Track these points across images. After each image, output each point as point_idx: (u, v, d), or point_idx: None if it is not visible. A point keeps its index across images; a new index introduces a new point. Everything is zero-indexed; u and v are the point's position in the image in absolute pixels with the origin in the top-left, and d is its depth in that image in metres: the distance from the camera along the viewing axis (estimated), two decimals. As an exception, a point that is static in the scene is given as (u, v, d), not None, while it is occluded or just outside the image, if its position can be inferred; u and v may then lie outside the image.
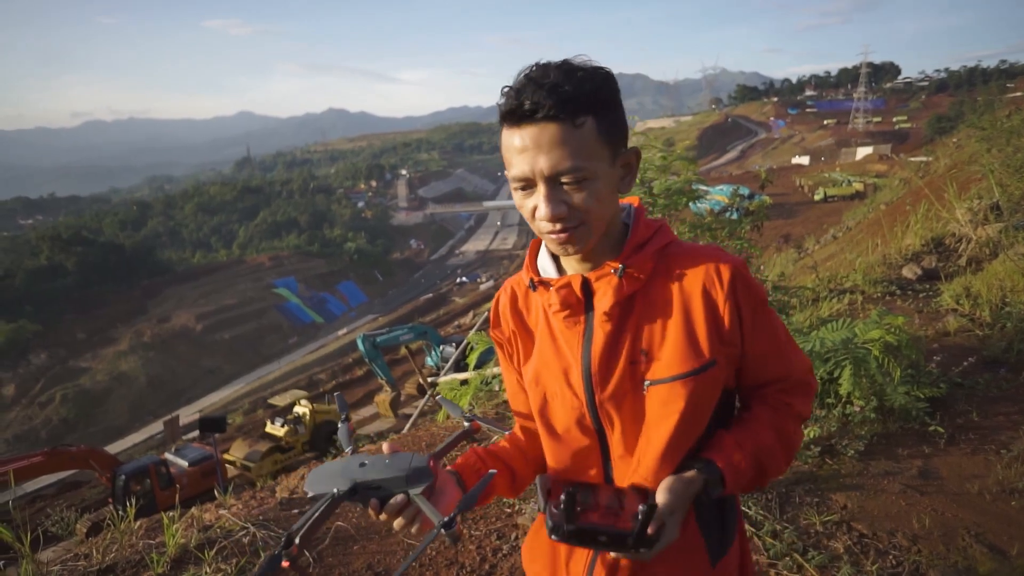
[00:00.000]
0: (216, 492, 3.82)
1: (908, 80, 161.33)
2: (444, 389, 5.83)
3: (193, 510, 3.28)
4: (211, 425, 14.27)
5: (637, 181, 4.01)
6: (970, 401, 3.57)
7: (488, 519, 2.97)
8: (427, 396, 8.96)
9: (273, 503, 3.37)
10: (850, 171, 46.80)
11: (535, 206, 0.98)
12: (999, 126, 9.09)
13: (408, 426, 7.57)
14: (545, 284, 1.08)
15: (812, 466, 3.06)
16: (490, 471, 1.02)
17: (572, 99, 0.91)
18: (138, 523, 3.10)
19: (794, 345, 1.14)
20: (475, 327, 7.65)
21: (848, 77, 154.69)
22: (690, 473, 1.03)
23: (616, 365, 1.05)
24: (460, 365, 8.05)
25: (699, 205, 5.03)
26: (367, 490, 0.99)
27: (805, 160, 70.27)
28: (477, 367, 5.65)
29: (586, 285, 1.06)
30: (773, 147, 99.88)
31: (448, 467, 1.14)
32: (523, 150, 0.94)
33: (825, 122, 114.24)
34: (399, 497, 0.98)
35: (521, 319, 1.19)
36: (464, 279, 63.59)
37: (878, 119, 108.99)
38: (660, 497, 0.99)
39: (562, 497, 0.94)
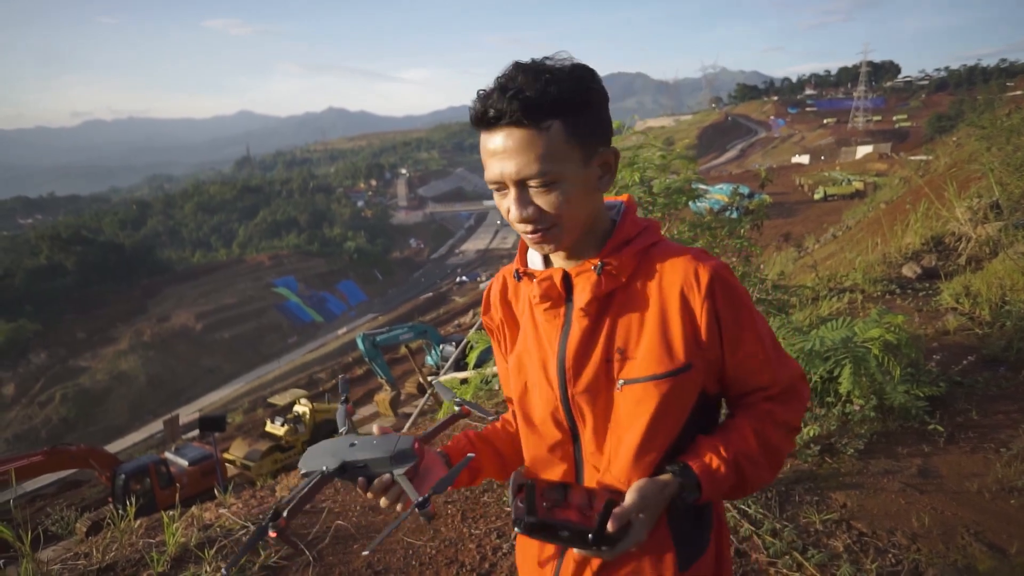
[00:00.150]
0: (216, 491, 3.82)
1: (908, 79, 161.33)
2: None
3: (193, 509, 3.28)
4: (211, 424, 14.27)
5: (637, 179, 4.01)
6: (970, 400, 3.57)
7: (488, 518, 2.97)
8: (427, 395, 8.97)
9: (273, 502, 3.37)
10: (850, 170, 46.78)
11: (508, 207, 1.00)
12: (999, 125, 9.09)
13: (408, 425, 7.57)
14: (530, 275, 1.11)
15: (812, 465, 3.06)
16: (467, 455, 1.05)
17: (536, 104, 0.92)
18: (138, 522, 3.10)
19: (782, 352, 1.11)
20: (475, 326, 7.66)
21: (848, 76, 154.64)
22: (664, 476, 1.03)
23: (590, 360, 1.06)
24: (460, 364, 8.05)
25: (699, 204, 5.03)
26: (355, 469, 1.03)
27: (805, 159, 70.22)
28: (477, 366, 5.64)
29: (567, 279, 1.08)
30: (773, 146, 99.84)
31: (439, 448, 1.17)
32: (493, 154, 0.97)
33: (825, 121, 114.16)
34: (384, 477, 1.02)
35: (509, 308, 1.21)
36: (464, 278, 63.57)
37: (878, 118, 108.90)
38: (628, 497, 0.98)
39: (528, 489, 0.96)
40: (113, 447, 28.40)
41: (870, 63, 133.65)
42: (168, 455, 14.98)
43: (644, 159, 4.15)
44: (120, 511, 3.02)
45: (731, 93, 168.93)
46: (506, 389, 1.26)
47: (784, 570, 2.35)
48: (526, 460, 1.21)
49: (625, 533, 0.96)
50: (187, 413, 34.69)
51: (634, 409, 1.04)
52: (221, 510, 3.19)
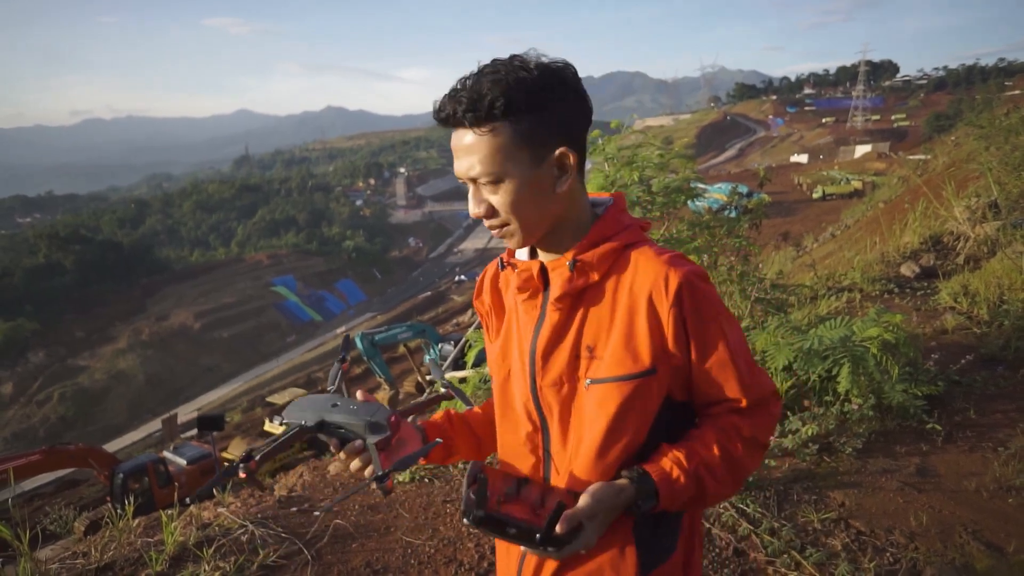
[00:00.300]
0: (215, 490, 3.81)
1: (907, 78, 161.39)
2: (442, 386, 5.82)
3: (192, 508, 3.28)
4: (209, 423, 14.21)
5: (636, 178, 4.01)
6: (968, 399, 3.58)
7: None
8: (425, 393, 8.97)
9: (271, 501, 3.37)
10: (849, 169, 46.79)
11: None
12: (997, 124, 9.10)
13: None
14: (513, 265, 1.14)
15: (810, 464, 3.06)
16: (434, 441, 1.08)
17: (483, 106, 0.95)
18: (136, 521, 3.10)
19: (754, 366, 1.09)
20: (474, 325, 7.66)
21: (847, 75, 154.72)
22: (621, 481, 1.02)
23: (559, 355, 1.08)
24: (459, 363, 8.05)
25: (698, 203, 5.03)
26: (331, 429, 1.07)
27: (804, 158, 70.22)
28: (475, 365, 5.65)
29: (545, 272, 1.10)
30: (772, 145, 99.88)
31: (420, 423, 1.21)
32: (454, 152, 1.02)
33: (824, 120, 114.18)
34: (357, 443, 1.06)
35: (499, 295, 1.23)
36: (463, 277, 63.53)
37: (877, 117, 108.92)
38: (582, 500, 0.98)
39: (479, 482, 0.96)
40: (111, 446, 28.37)
41: (869, 62, 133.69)
42: (167, 454, 14.96)
43: (643, 158, 4.15)
44: (118, 510, 3.02)
45: (730, 92, 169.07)
46: (491, 374, 1.28)
47: (782, 569, 2.35)
48: (499, 449, 1.23)
49: (575, 536, 0.95)
50: (185, 412, 34.67)
51: (597, 408, 1.05)
52: (220, 509, 3.19)
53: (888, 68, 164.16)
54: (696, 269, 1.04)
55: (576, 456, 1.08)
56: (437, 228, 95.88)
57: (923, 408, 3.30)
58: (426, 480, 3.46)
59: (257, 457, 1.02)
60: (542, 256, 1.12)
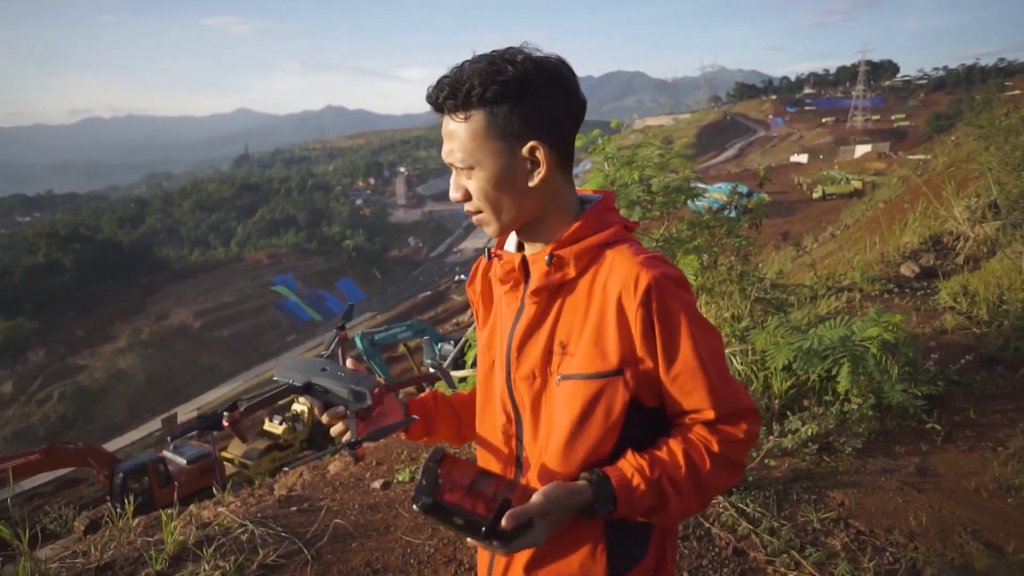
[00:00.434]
0: (214, 490, 3.82)
1: (907, 78, 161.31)
2: (442, 386, 5.83)
3: (191, 507, 3.28)
4: (209, 423, 14.24)
5: (635, 178, 4.00)
6: (967, 399, 3.58)
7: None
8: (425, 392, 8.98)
9: (271, 501, 3.37)
10: (848, 169, 46.79)
11: None
12: (997, 124, 9.09)
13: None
14: (499, 256, 1.16)
15: (810, 463, 3.07)
16: (409, 418, 1.14)
17: (461, 93, 0.99)
18: (136, 520, 3.10)
19: (729, 379, 1.06)
20: (473, 324, 7.66)
21: (847, 75, 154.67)
22: (579, 483, 1.01)
23: (532, 348, 1.09)
24: (458, 362, 8.05)
25: (698, 203, 5.03)
26: (316, 392, 1.12)
27: (803, 158, 70.21)
28: (475, 364, 5.65)
29: (526, 265, 1.11)
30: (772, 145, 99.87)
31: (406, 399, 1.25)
32: (442, 137, 1.06)
33: (824, 120, 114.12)
34: (339, 408, 1.11)
35: (489, 286, 1.24)
36: (462, 277, 63.49)
37: (877, 117, 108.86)
38: (534, 498, 0.97)
39: (433, 471, 0.96)
40: (111, 445, 28.38)
41: (869, 62, 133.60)
42: (166, 453, 14.96)
43: (643, 158, 4.15)
44: (118, 509, 3.02)
45: (730, 92, 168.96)
46: (478, 363, 1.30)
47: (782, 568, 2.35)
48: (476, 438, 1.24)
49: (523, 532, 0.94)
50: (185, 411, 34.69)
51: (564, 405, 1.05)
52: (219, 509, 3.20)
53: (888, 68, 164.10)
54: (671, 272, 1.03)
55: (545, 451, 1.08)
56: (437, 227, 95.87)
57: (923, 408, 3.30)
58: (426, 479, 3.45)
59: (242, 408, 1.07)
60: (527, 249, 1.14)
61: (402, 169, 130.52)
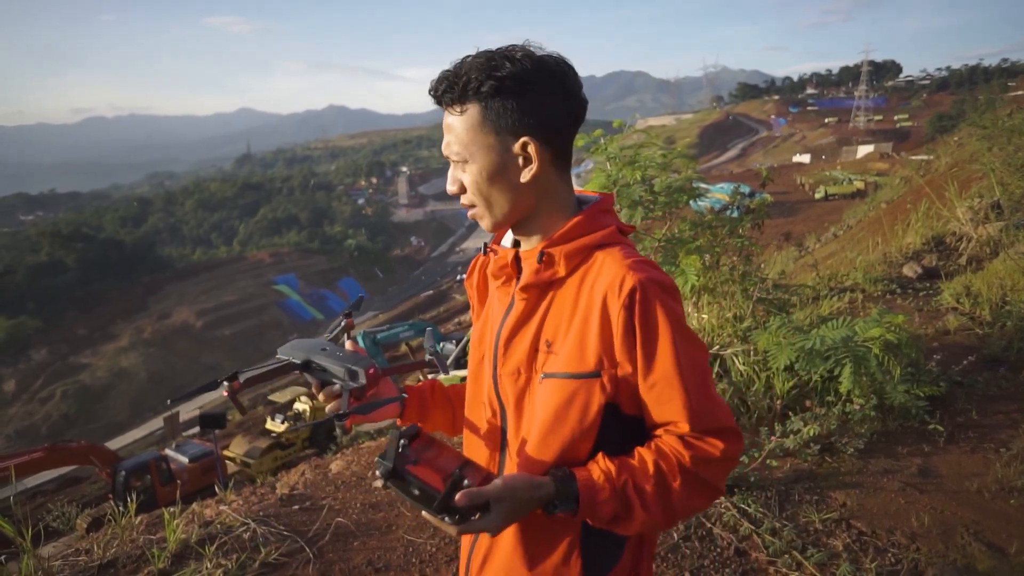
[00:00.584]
0: (216, 488, 3.82)
1: (909, 78, 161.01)
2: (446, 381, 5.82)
3: (194, 506, 3.29)
4: (211, 421, 14.25)
5: (638, 178, 4.00)
6: (970, 400, 3.58)
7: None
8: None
9: (273, 499, 3.38)
10: (851, 169, 46.70)
11: None
12: (1000, 125, 9.07)
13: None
14: (494, 251, 1.18)
15: (811, 464, 3.06)
16: (397, 396, 1.19)
17: (458, 87, 1.01)
18: (139, 519, 3.10)
19: (711, 394, 1.03)
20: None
21: (849, 75, 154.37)
22: (542, 477, 1.02)
23: (519, 344, 1.10)
24: (460, 362, 8.06)
25: (700, 203, 5.02)
26: (314, 370, 1.16)
27: (806, 158, 70.11)
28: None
29: (519, 261, 1.12)
30: (774, 145, 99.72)
31: (403, 385, 1.29)
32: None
33: (826, 120, 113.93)
34: (335, 387, 1.15)
35: (485, 280, 1.26)
36: (464, 276, 63.30)
37: (879, 117, 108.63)
38: (494, 483, 0.97)
39: (397, 439, 0.97)
40: (114, 444, 28.43)
41: (871, 62, 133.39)
42: (168, 452, 14.98)
43: (645, 158, 4.14)
44: (121, 508, 3.03)
45: (732, 92, 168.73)
46: (469, 356, 1.31)
47: (784, 569, 2.35)
48: (464, 428, 1.25)
49: (477, 512, 0.95)
50: (187, 410, 34.70)
51: (543, 404, 1.05)
52: (222, 507, 3.20)
53: (891, 68, 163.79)
54: (659, 278, 1.01)
55: (522, 448, 1.08)
56: (439, 227, 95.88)
57: (925, 409, 3.29)
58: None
59: (242, 379, 1.10)
60: (523, 245, 1.15)
61: (404, 168, 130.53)
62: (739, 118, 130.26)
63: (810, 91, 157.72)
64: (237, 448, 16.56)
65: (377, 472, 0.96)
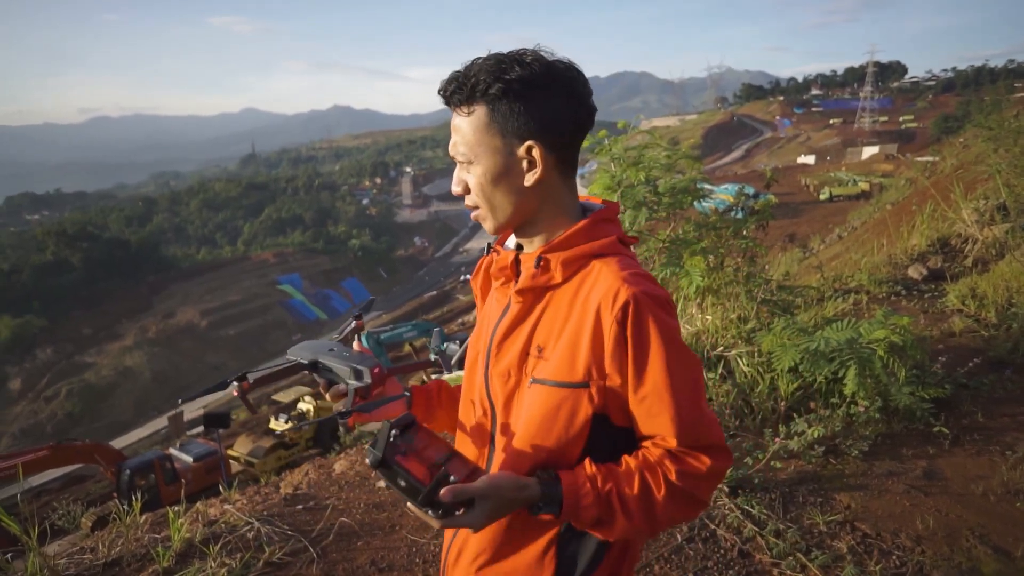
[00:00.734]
0: (220, 487, 3.83)
1: (915, 79, 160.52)
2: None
3: (198, 505, 3.29)
4: (215, 421, 14.30)
5: (642, 179, 4.00)
6: (975, 402, 3.56)
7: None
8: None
9: (277, 499, 3.38)
10: (856, 171, 46.61)
11: None
12: (1006, 126, 9.02)
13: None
14: (497, 252, 1.18)
15: (816, 466, 3.06)
16: (404, 392, 1.21)
17: (467, 88, 1.01)
18: (143, 517, 3.12)
19: (703, 410, 1.03)
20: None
21: (854, 76, 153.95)
22: (528, 478, 1.02)
23: (511, 347, 1.10)
24: (464, 362, 8.06)
25: (704, 204, 5.01)
26: (321, 370, 1.20)
27: (811, 159, 69.95)
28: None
29: (519, 264, 1.13)
30: (778, 146, 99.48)
31: (410, 385, 1.31)
32: None
33: (831, 121, 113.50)
34: (341, 386, 1.18)
35: (489, 280, 1.25)
36: (468, 276, 63.35)
37: (884, 119, 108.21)
38: (479, 480, 0.98)
39: (388, 429, 0.98)
40: (118, 443, 28.50)
41: (877, 63, 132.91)
42: (173, 451, 15.02)
43: (649, 158, 4.14)
44: (125, 506, 3.04)
45: (736, 93, 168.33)
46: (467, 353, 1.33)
47: (787, 571, 2.35)
48: (458, 425, 1.26)
49: (464, 510, 0.96)
50: (192, 409, 34.78)
51: (530, 409, 1.06)
52: (226, 506, 3.21)
53: (896, 69, 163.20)
54: (654, 291, 1.00)
55: (508, 450, 1.09)
56: (443, 227, 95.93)
57: (930, 411, 3.28)
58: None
59: (251, 379, 1.13)
60: (525, 249, 1.15)
61: (408, 169, 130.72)
62: (743, 119, 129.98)
63: (815, 92, 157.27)
64: (241, 447, 16.60)
65: (367, 460, 0.98)
